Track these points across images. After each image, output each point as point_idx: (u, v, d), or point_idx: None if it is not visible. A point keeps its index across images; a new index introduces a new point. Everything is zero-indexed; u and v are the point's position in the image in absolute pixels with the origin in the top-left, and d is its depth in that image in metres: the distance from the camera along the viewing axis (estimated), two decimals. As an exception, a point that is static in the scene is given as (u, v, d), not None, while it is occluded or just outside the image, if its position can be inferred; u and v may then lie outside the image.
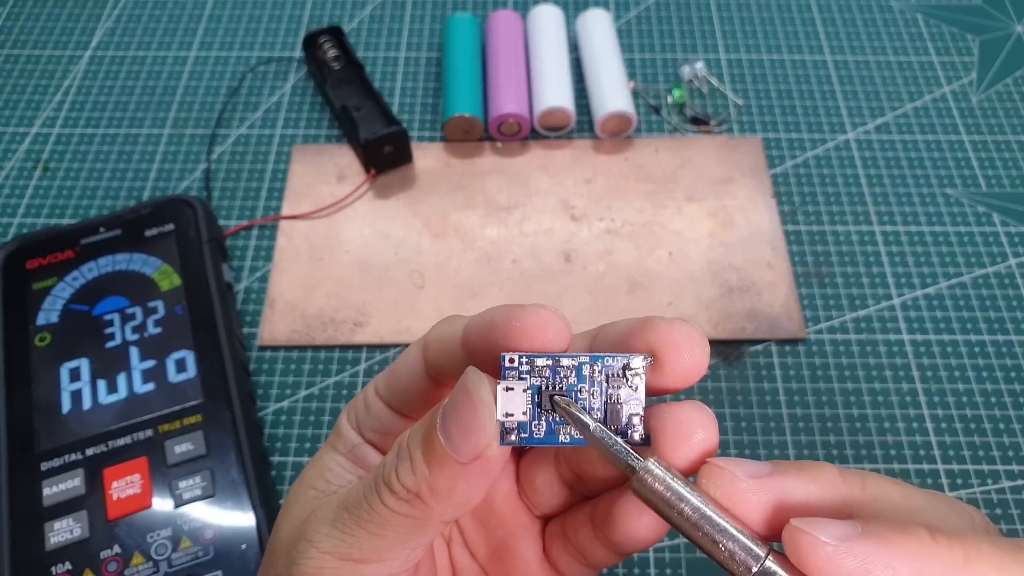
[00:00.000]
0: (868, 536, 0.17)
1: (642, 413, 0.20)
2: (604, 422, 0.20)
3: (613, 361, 0.20)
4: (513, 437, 0.20)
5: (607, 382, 0.20)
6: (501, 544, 0.24)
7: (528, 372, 0.20)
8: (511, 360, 0.19)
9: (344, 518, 0.20)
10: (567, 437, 0.20)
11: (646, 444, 0.20)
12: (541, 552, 0.24)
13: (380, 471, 0.20)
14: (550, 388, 0.20)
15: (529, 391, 0.20)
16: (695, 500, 0.18)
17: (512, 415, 0.19)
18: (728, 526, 0.18)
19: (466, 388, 0.19)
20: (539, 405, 0.20)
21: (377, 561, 0.20)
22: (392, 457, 0.20)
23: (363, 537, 0.20)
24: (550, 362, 0.20)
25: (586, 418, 0.19)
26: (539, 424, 0.20)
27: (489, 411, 0.19)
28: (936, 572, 0.17)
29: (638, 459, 0.19)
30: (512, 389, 0.19)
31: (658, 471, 0.19)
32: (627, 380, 0.20)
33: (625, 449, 0.19)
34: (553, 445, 0.20)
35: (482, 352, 0.20)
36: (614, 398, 0.20)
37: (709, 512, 0.18)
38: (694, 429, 0.20)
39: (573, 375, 0.20)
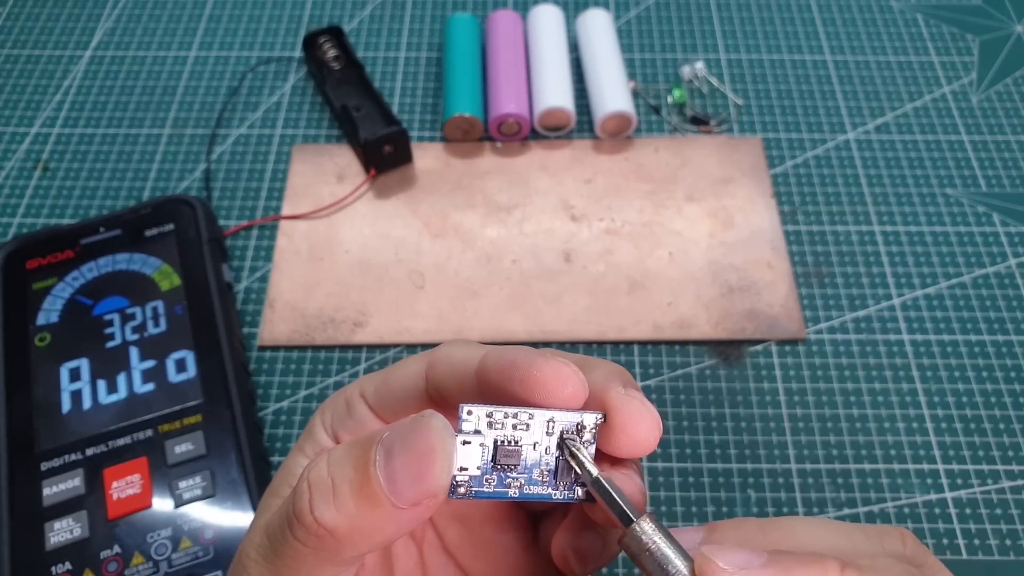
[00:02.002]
0: (769, 567, 0.17)
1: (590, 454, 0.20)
2: (555, 476, 0.20)
3: (567, 417, 0.20)
4: (463, 490, 0.19)
5: (560, 438, 0.20)
6: (487, 541, 0.24)
7: (487, 425, 0.19)
8: (469, 412, 0.19)
9: (266, 545, 0.19)
10: (516, 492, 0.20)
11: (591, 500, 0.20)
12: (529, 543, 0.24)
13: (291, 501, 0.19)
14: (507, 443, 0.19)
15: (484, 445, 0.19)
16: (683, 568, 0.18)
17: (466, 469, 0.19)
18: None
19: (427, 434, 0.18)
20: (493, 459, 0.19)
21: None
22: (304, 487, 0.18)
23: (281, 568, 0.19)
24: (508, 416, 0.19)
25: (591, 467, 0.19)
26: (490, 478, 0.19)
27: (448, 463, 0.18)
28: None
29: (633, 516, 0.19)
30: (469, 443, 0.19)
31: (650, 531, 0.19)
32: (579, 436, 0.20)
33: (623, 505, 0.19)
34: (503, 499, 0.20)
35: (496, 388, 0.20)
36: (565, 453, 0.20)
37: None
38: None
39: (529, 430, 0.19)
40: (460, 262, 0.48)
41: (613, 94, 0.52)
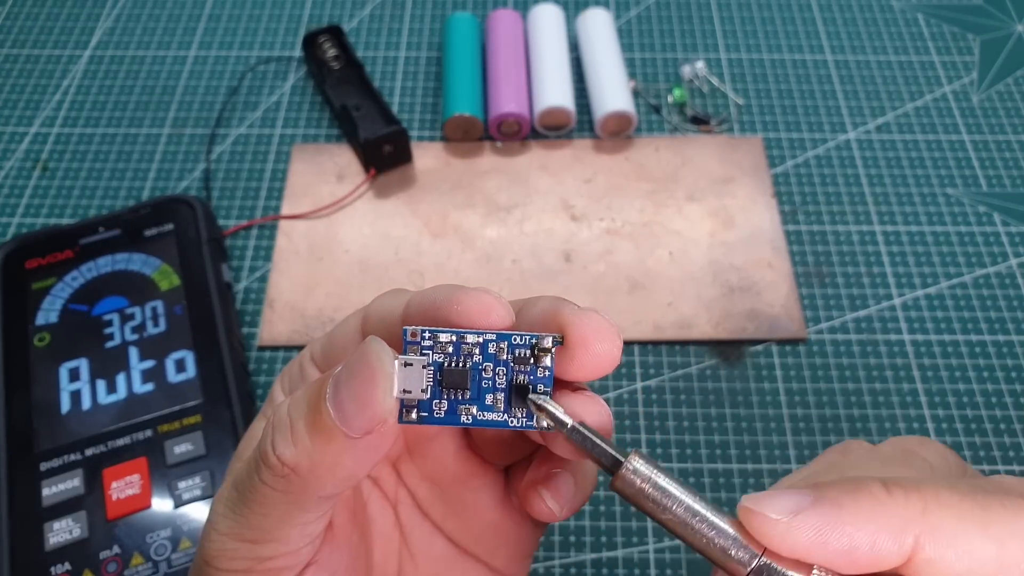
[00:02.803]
0: (820, 503, 0.17)
1: (550, 394, 0.19)
2: (508, 402, 0.19)
3: (521, 340, 0.19)
4: (413, 416, 0.18)
5: (514, 362, 0.19)
6: (458, 499, 0.23)
7: (430, 348, 0.18)
8: (413, 334, 0.18)
9: (234, 497, 0.19)
10: (469, 418, 0.19)
11: (552, 429, 0.19)
12: (500, 497, 0.23)
13: (258, 444, 0.19)
14: (452, 365, 0.18)
15: (430, 367, 0.18)
16: (685, 498, 0.18)
17: (410, 392, 0.18)
18: (721, 523, 0.18)
19: (366, 357, 0.18)
20: (440, 383, 0.18)
21: (271, 541, 0.19)
22: (268, 429, 0.19)
23: (250, 516, 0.19)
24: (454, 338, 0.18)
25: (564, 416, 0.18)
26: (440, 403, 0.19)
27: (388, 384, 0.17)
28: (893, 527, 0.16)
29: (621, 456, 0.18)
30: (411, 365, 0.18)
31: (643, 468, 0.18)
32: (535, 361, 0.19)
33: (607, 447, 0.18)
34: (455, 425, 0.19)
35: None
36: (520, 379, 0.19)
37: (700, 509, 0.18)
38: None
39: (478, 353, 0.18)
40: (460, 262, 0.48)
41: (613, 94, 0.52)
